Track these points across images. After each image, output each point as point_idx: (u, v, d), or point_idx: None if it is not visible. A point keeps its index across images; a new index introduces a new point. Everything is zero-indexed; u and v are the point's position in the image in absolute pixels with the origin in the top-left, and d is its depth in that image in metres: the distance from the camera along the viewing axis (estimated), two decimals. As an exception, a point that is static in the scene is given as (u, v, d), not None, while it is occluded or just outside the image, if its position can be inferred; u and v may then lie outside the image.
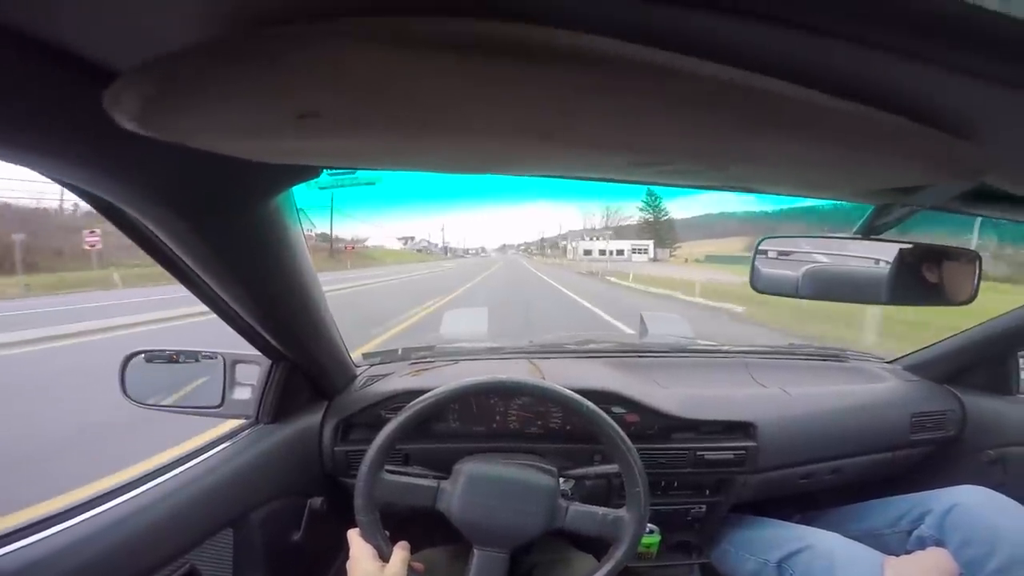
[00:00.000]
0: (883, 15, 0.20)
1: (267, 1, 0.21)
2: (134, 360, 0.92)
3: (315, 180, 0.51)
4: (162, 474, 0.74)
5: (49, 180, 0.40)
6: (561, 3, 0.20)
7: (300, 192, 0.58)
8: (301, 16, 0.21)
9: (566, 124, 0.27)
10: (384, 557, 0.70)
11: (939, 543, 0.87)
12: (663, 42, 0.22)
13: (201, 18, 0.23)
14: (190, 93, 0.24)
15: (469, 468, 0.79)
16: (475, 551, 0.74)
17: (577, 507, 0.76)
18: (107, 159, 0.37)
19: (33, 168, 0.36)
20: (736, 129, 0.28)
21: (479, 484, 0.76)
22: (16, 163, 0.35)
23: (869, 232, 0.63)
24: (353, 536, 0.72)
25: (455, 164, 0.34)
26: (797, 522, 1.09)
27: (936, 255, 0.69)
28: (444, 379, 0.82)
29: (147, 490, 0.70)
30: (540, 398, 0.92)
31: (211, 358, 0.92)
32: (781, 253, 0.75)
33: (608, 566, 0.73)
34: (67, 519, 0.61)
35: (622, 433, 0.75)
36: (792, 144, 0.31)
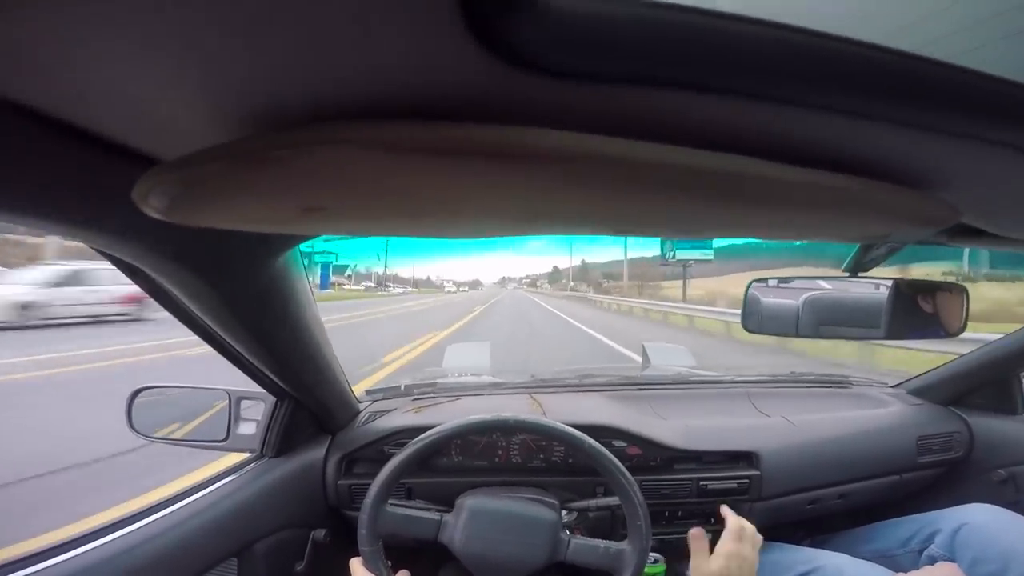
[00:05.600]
0: (841, 81, 0.21)
1: (280, 104, 0.23)
2: (141, 395, 0.94)
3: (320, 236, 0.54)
4: (168, 505, 0.76)
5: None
6: (543, 104, 0.22)
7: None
8: (309, 120, 0.23)
9: (550, 210, 0.29)
10: None
11: (950, 561, 0.86)
12: (629, 128, 0.23)
13: (220, 118, 0.25)
14: (209, 189, 0.26)
15: (472, 502, 0.79)
16: None
17: (579, 540, 0.76)
18: (131, 229, 0.39)
19: (55, 234, 0.39)
20: (706, 204, 0.30)
21: (482, 517, 0.77)
22: (38, 229, 0.38)
23: (856, 269, 0.64)
24: (355, 565, 0.73)
25: (446, 234, 0.36)
26: (807, 545, 1.08)
27: (927, 289, 0.70)
28: (446, 416, 0.84)
29: (154, 521, 0.72)
30: (541, 435, 0.93)
31: (217, 394, 0.94)
32: (776, 290, 0.76)
33: None
34: (73, 548, 0.63)
35: (624, 470, 0.75)
36: (762, 213, 0.33)
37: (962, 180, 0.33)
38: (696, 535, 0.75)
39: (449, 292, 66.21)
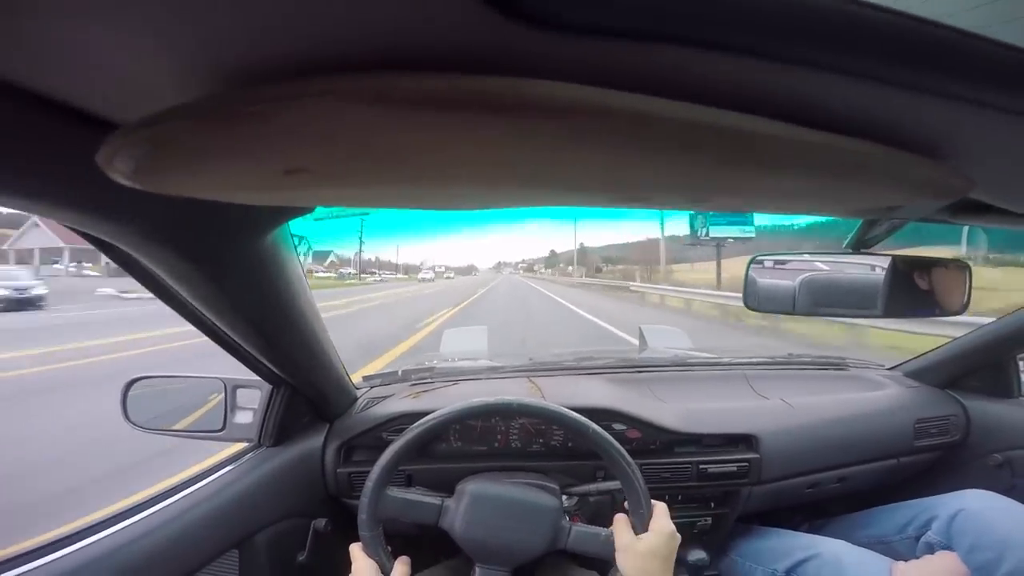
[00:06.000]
0: (852, 42, 0.20)
1: (256, 59, 0.22)
2: (135, 386, 0.92)
3: (309, 214, 0.53)
4: (167, 497, 0.76)
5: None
6: (538, 58, 0.21)
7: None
8: (287, 74, 0.22)
9: (545, 171, 0.28)
10: (385, 572, 0.71)
11: (948, 548, 0.87)
12: (631, 83, 0.22)
13: (191, 75, 0.24)
14: (180, 151, 0.25)
15: (473, 487, 0.79)
16: (477, 568, 0.75)
17: (580, 528, 0.76)
18: (101, 202, 0.37)
19: (28, 211, 0.38)
20: (713, 167, 0.29)
21: (482, 503, 0.77)
22: (10, 207, 0.36)
23: (859, 246, 0.64)
24: (355, 551, 0.73)
25: (440, 204, 0.35)
26: (804, 531, 1.09)
27: (927, 266, 0.69)
28: (444, 401, 0.83)
29: (152, 513, 0.71)
30: (542, 419, 0.93)
31: (212, 383, 0.93)
32: (773, 271, 0.76)
33: None
34: (72, 543, 0.63)
35: (628, 457, 0.75)
36: (771, 177, 0.32)
37: (979, 151, 0.33)
38: (619, 519, 0.72)
39: (424, 280, 48.18)
